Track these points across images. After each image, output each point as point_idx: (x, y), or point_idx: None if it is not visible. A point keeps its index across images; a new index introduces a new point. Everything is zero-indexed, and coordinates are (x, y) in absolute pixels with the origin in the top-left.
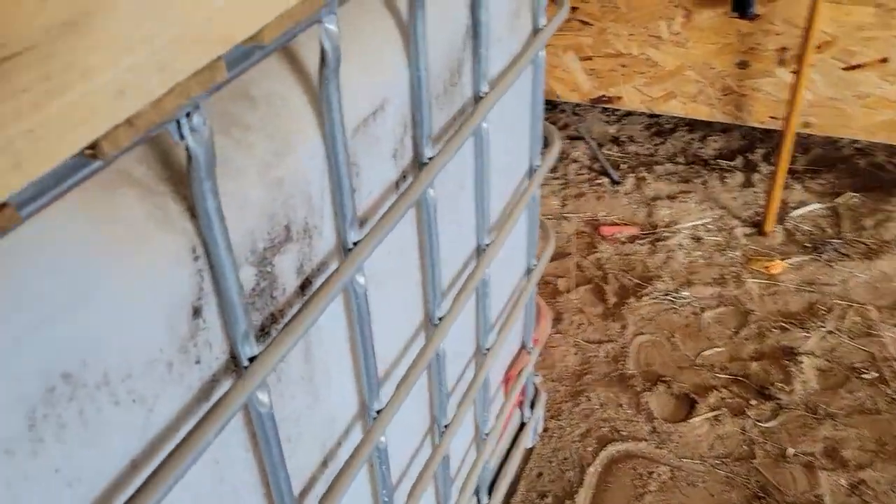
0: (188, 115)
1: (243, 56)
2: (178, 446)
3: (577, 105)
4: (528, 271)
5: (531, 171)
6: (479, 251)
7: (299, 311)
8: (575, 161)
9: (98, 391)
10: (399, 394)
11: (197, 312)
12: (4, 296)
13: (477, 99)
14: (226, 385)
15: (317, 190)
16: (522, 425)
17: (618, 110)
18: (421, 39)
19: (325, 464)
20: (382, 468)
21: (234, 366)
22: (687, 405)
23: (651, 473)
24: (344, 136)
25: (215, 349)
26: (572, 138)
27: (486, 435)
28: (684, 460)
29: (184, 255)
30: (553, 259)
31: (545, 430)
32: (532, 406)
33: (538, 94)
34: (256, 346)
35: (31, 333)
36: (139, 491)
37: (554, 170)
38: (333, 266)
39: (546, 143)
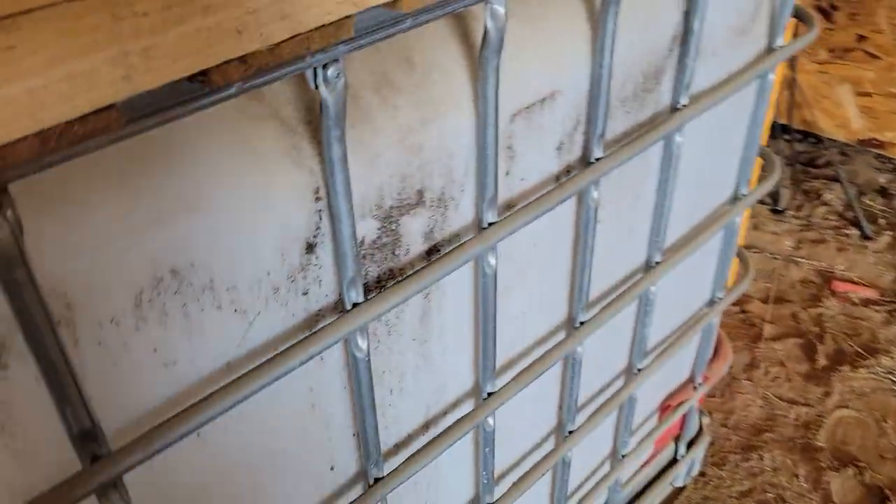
0: (325, 66)
1: (392, 22)
2: (271, 360)
3: (847, 145)
4: (711, 302)
5: (735, 198)
6: (648, 266)
7: (415, 273)
8: (825, 204)
9: (202, 293)
10: (517, 382)
11: (310, 248)
12: (136, 185)
13: (673, 110)
14: (329, 322)
15: (460, 164)
16: (675, 461)
17: (893, 159)
18: (608, 37)
19: (426, 426)
20: (486, 450)
21: (341, 308)
22: (876, 500)
23: None
24: (496, 118)
25: (325, 287)
26: (829, 179)
27: (623, 456)
28: None
29: (307, 193)
30: (766, 300)
31: (702, 474)
32: (690, 445)
33: (759, 117)
34: (363, 294)
35: (151, 225)
36: (228, 387)
37: (798, 208)
38: (465, 240)
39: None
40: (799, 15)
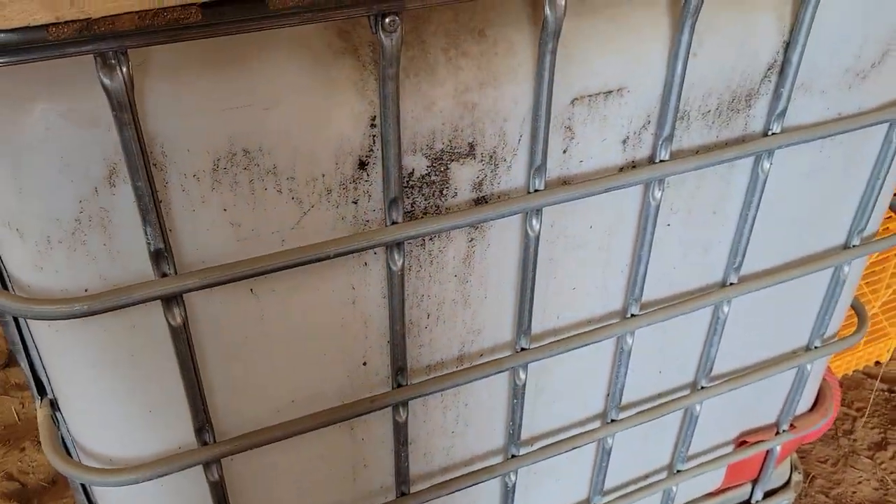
0: (384, 15)
1: None
2: (317, 244)
3: None
4: (807, 349)
5: (846, 245)
6: (722, 285)
7: (454, 211)
8: None
9: (266, 175)
10: (557, 346)
11: (362, 165)
12: (228, 74)
13: (765, 135)
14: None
15: (514, 130)
16: (748, 502)
17: None
18: (683, 47)
19: (460, 360)
20: (514, 401)
21: (384, 223)
22: None
23: None
24: (550, 96)
25: (373, 202)
26: None
27: (679, 471)
28: None
29: (364, 118)
30: None
31: None
32: (769, 495)
33: (882, 170)
34: (403, 216)
35: (234, 108)
36: (280, 253)
37: None
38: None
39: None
40: None
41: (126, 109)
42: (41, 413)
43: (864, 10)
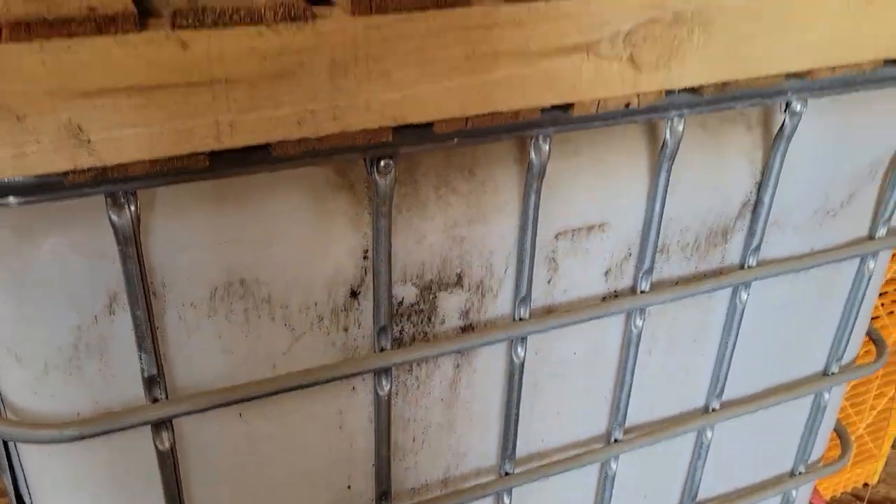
0: (380, 159)
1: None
2: (307, 371)
3: None
4: (792, 474)
5: (825, 373)
6: (704, 411)
7: (441, 338)
8: None
9: (262, 304)
10: (540, 471)
11: (354, 294)
12: (228, 212)
13: (741, 267)
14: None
15: (500, 262)
16: None
17: None
18: (661, 189)
19: (444, 483)
20: None
21: (373, 350)
22: None
23: None
24: (535, 231)
25: (363, 329)
26: None
27: None
28: None
29: (358, 251)
30: None
31: None
32: None
33: (856, 299)
34: (392, 343)
35: (233, 243)
36: (270, 380)
37: None
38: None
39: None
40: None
41: (131, 244)
42: None
43: (831, 155)
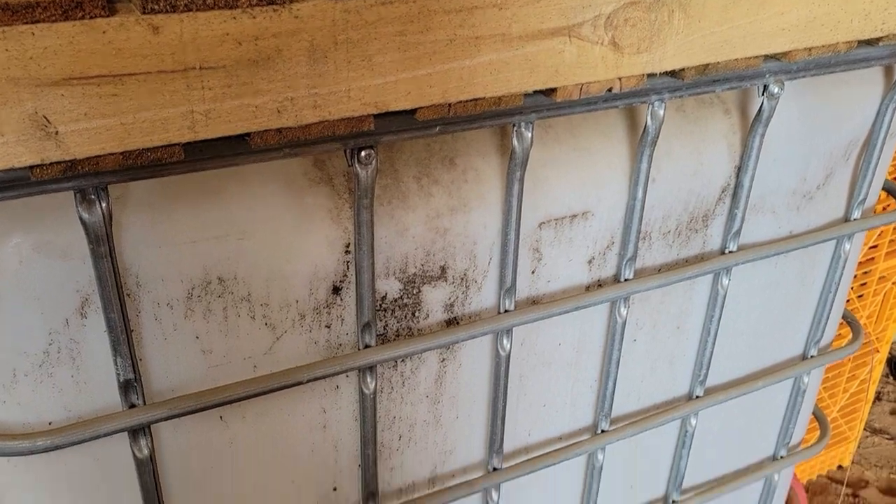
0: (361, 149)
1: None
2: (289, 370)
3: None
4: (774, 458)
5: (804, 356)
6: (689, 398)
7: (425, 334)
8: None
9: (241, 302)
10: (528, 465)
11: (336, 290)
12: (203, 207)
13: (722, 253)
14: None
15: (484, 253)
16: None
17: None
18: (642, 176)
19: (432, 482)
20: None
21: (357, 348)
22: None
23: None
24: (518, 221)
25: (346, 326)
26: None
27: None
28: None
29: (339, 245)
30: (886, 492)
31: None
32: None
33: (833, 282)
34: (376, 340)
35: (209, 239)
36: (251, 381)
37: None
38: (480, 318)
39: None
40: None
41: (103, 242)
42: None
43: (807, 137)
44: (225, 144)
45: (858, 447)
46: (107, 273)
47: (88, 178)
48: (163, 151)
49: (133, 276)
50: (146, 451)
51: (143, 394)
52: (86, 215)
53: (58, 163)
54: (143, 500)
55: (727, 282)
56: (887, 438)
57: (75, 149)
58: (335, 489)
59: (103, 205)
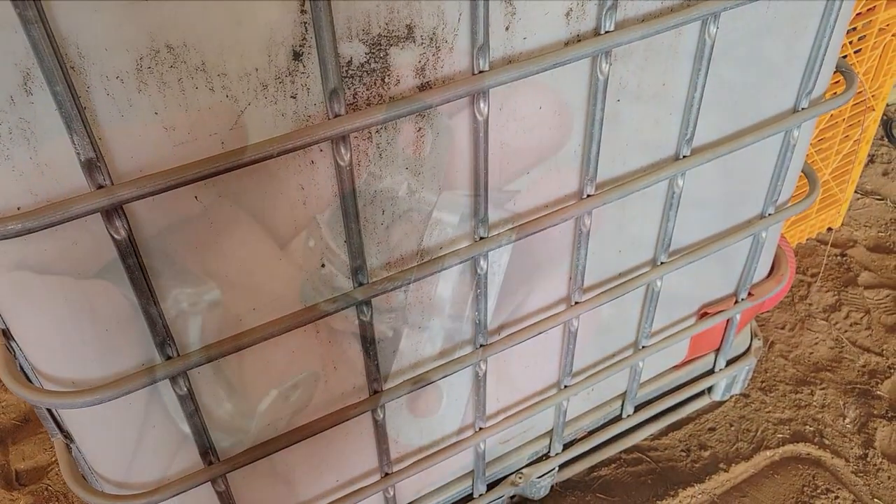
0: None
1: None
2: (258, 144)
3: None
4: (762, 216)
5: (795, 109)
6: (675, 158)
7: (398, 99)
8: None
9: (196, 72)
10: (511, 231)
11: (297, 56)
12: None
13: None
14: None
15: (453, 9)
16: (711, 372)
17: None
18: None
19: (419, 254)
20: (478, 291)
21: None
22: None
23: (829, 492)
24: None
25: (313, 94)
26: None
27: (644, 347)
28: (876, 501)
29: (293, 4)
30: (873, 249)
31: (745, 395)
32: (731, 362)
33: (827, 29)
34: (345, 107)
35: (150, 4)
36: (219, 156)
37: None
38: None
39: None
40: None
41: (31, 7)
42: None
43: None
44: None
45: (849, 209)
46: (42, 41)
47: None
48: None
49: (73, 46)
50: (123, 233)
51: (109, 174)
52: None
53: None
54: (131, 283)
55: (715, 29)
56: (878, 199)
57: None
58: (323, 266)
59: None
